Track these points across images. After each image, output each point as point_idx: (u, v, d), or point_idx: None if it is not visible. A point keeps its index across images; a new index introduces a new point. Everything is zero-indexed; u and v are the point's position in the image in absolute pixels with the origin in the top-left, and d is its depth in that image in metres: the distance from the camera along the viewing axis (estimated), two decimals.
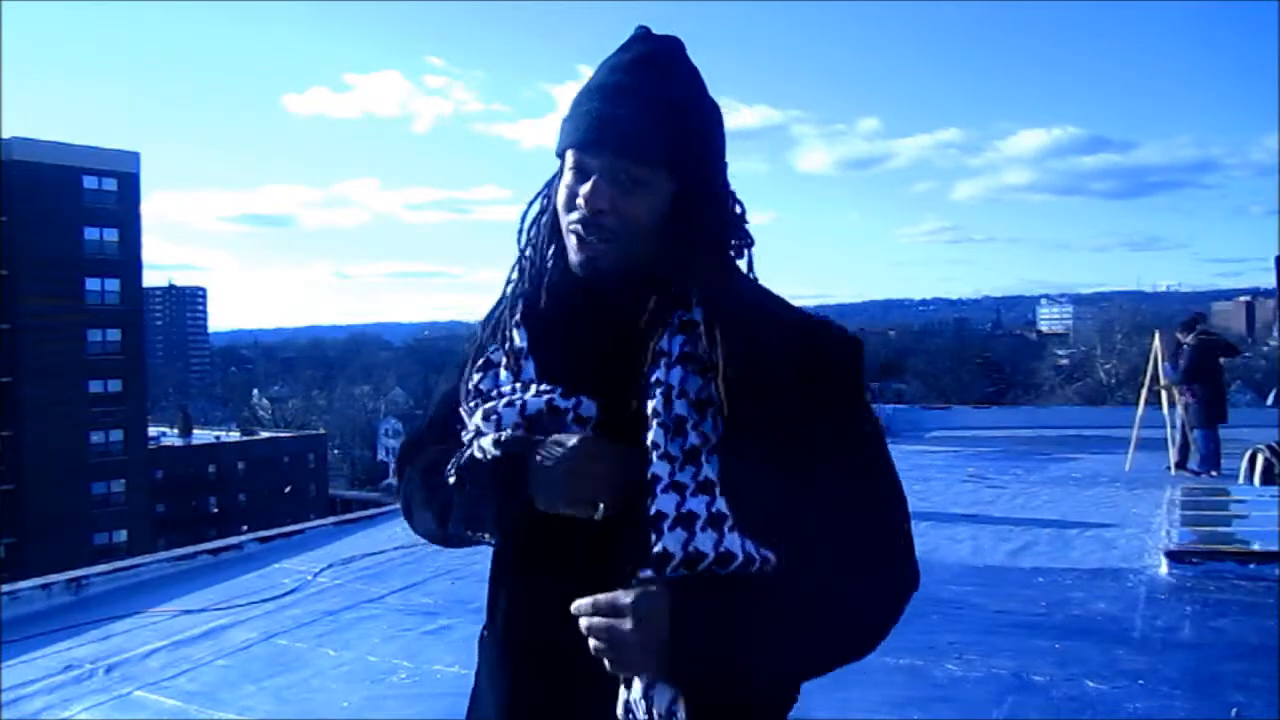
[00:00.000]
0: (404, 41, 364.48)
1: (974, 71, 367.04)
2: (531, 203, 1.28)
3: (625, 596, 1.06)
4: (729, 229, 1.22)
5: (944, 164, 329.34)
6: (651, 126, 1.13)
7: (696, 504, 1.09)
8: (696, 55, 1.22)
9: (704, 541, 1.08)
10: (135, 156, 46.37)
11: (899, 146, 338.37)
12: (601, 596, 1.07)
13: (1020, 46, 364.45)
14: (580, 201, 1.15)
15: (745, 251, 1.24)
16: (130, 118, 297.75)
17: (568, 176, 1.19)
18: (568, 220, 1.18)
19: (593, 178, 1.15)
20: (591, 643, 1.07)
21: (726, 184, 1.22)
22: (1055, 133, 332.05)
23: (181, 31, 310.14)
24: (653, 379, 1.14)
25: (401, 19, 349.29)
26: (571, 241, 1.18)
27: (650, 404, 1.13)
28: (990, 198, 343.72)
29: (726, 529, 1.09)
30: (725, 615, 1.08)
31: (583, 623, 1.08)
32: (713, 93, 1.23)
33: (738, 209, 1.23)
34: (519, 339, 1.22)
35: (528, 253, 1.26)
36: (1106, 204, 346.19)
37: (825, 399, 1.15)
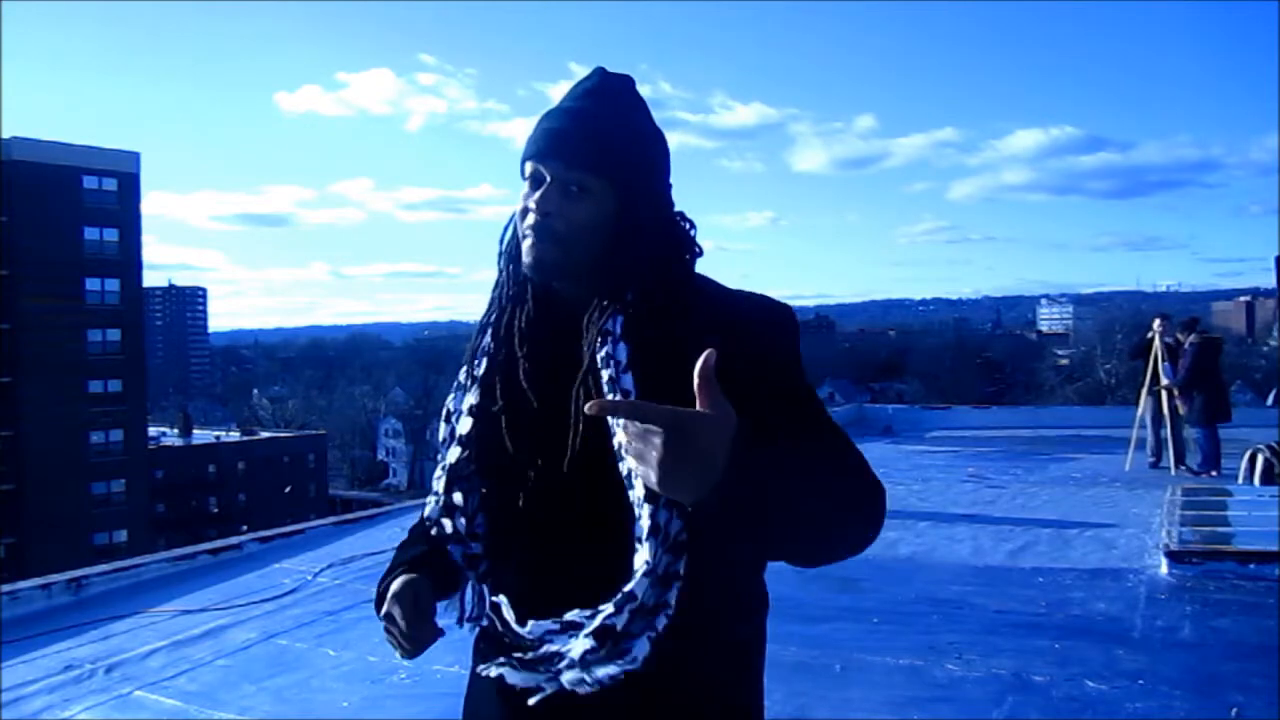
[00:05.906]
0: (395, 39, 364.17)
1: (970, 70, 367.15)
2: (506, 227, 1.38)
3: (686, 413, 1.03)
4: (672, 238, 1.32)
5: (941, 163, 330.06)
6: (595, 141, 1.27)
7: None
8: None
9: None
10: (135, 156, 46.38)
11: (895, 146, 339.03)
12: (663, 408, 1.03)
13: (1017, 46, 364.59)
14: (532, 205, 1.28)
15: (693, 262, 1.34)
16: (129, 118, 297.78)
17: (524, 188, 1.31)
18: (522, 227, 1.30)
19: (544, 184, 1.27)
20: (633, 450, 1.05)
21: (670, 203, 1.34)
22: (1053, 132, 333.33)
23: (177, 30, 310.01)
24: (600, 355, 1.24)
25: (392, 16, 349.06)
26: (524, 245, 1.29)
27: (605, 374, 1.23)
28: (988, 197, 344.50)
29: None
30: (766, 463, 1.07)
31: (630, 429, 1.05)
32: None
33: (687, 226, 1.34)
34: (480, 367, 1.35)
35: (504, 268, 1.37)
36: (1105, 204, 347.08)
37: (765, 362, 1.24)
